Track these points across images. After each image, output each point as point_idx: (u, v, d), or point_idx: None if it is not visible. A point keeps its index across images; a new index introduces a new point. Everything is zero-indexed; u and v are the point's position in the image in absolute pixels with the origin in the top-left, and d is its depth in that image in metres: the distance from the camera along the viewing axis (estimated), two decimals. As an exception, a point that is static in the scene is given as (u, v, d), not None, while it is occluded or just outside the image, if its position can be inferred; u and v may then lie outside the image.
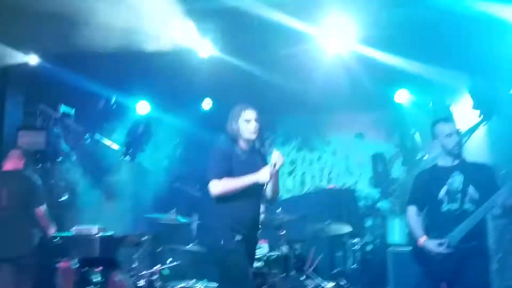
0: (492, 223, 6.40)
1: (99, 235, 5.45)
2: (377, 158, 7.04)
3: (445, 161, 3.83)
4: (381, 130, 7.71)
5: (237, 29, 5.79)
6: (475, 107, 5.80)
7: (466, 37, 5.49)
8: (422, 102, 6.82)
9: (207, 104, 7.43)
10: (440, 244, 3.60)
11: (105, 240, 5.54)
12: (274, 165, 3.45)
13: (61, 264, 4.27)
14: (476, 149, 6.07)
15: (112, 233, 5.70)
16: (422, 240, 3.71)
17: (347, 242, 5.86)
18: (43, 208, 4.92)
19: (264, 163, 3.62)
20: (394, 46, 5.70)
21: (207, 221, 3.67)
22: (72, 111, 6.69)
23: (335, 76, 6.42)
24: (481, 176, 3.70)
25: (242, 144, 3.63)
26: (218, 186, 3.46)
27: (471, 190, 3.67)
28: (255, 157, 3.66)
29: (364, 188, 7.63)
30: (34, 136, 6.03)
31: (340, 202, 6.69)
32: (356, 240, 5.89)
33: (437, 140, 3.84)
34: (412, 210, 3.89)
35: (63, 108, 6.57)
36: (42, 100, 6.46)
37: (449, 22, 5.27)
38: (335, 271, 5.13)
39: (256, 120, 3.58)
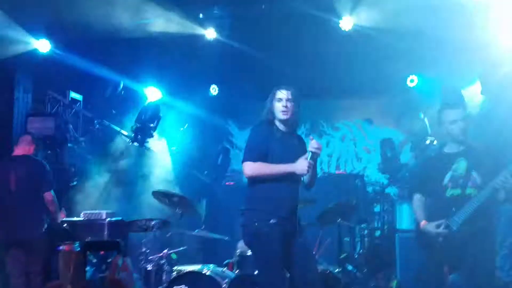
0: (502, 209, 6.41)
1: (108, 220, 5.51)
2: (386, 144, 6.98)
3: (450, 148, 3.89)
4: (390, 115, 7.66)
5: (244, 15, 5.79)
6: (484, 92, 5.73)
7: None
8: (431, 87, 6.76)
9: (213, 90, 7.43)
10: (438, 226, 3.67)
11: (114, 225, 5.59)
12: (312, 155, 3.39)
13: (62, 247, 4.32)
14: (481, 133, 6.03)
15: (120, 218, 5.75)
16: (422, 224, 3.79)
17: (355, 227, 5.86)
18: (51, 193, 4.97)
19: (303, 146, 3.58)
20: (403, 31, 5.66)
21: (244, 202, 3.59)
22: (80, 97, 6.74)
23: (344, 61, 6.40)
24: (484, 161, 3.74)
25: (279, 124, 3.59)
26: (251, 168, 3.44)
27: (474, 175, 3.72)
28: (293, 139, 3.61)
29: (373, 174, 7.62)
30: (43, 122, 6.08)
31: (348, 188, 6.69)
32: (364, 225, 5.88)
33: (443, 126, 3.87)
34: (416, 197, 3.97)
35: (72, 94, 6.63)
36: (51, 87, 6.50)
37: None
38: (342, 256, 5.12)
39: (288, 100, 3.50)
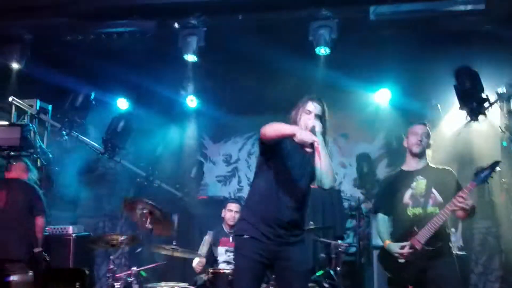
0: (476, 226, 6.42)
1: (74, 235, 5.30)
2: (362, 159, 6.95)
3: (408, 166, 3.89)
4: (366, 130, 7.62)
5: (220, 25, 5.68)
6: (462, 107, 5.73)
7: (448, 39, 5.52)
8: (407, 103, 6.75)
9: (191, 101, 7.26)
10: (402, 247, 3.64)
11: (80, 240, 5.38)
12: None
13: (13, 277, 4.13)
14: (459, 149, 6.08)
15: (88, 233, 5.54)
16: (386, 243, 3.77)
17: (331, 243, 5.74)
18: (43, 220, 4.99)
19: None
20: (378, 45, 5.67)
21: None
22: (49, 107, 6.52)
23: (318, 76, 6.34)
24: (443, 180, 3.75)
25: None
26: (267, 127, 3.08)
27: (434, 193, 3.72)
28: (305, 155, 3.23)
29: (348, 189, 7.55)
30: (9, 132, 5.85)
31: (324, 202, 6.58)
32: (340, 241, 5.77)
33: (406, 140, 3.89)
34: (379, 216, 3.95)
35: (39, 104, 6.41)
36: (18, 96, 6.28)
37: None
38: (319, 273, 5.01)
39: (317, 116, 3.24)
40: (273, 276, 4.04)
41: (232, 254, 4.78)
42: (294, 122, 3.29)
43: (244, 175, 7.96)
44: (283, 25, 5.55)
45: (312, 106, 3.28)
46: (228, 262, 4.97)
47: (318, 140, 3.01)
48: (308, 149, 3.07)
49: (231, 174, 8.01)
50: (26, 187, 5.04)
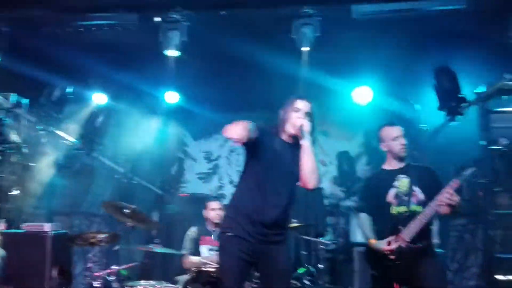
0: (452, 223, 6.52)
1: (51, 233, 5.17)
2: (342, 157, 7.00)
3: (390, 165, 3.91)
4: (346, 128, 7.65)
5: (203, 20, 5.62)
6: (441, 107, 5.80)
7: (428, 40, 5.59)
8: (386, 102, 6.81)
9: (172, 97, 7.16)
10: (389, 243, 3.65)
11: (58, 239, 5.26)
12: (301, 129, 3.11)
13: None
14: (439, 148, 6.16)
15: (65, 231, 5.42)
16: (372, 243, 3.78)
17: (312, 241, 5.76)
18: None
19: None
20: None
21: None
22: (25, 101, 6.34)
23: (300, 74, 6.33)
24: (425, 178, 3.78)
25: (285, 136, 3.30)
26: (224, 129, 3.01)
27: (416, 191, 3.75)
28: (292, 154, 3.23)
29: (328, 187, 7.58)
30: (-18, 127, 5.67)
31: (306, 201, 6.59)
32: (321, 238, 5.79)
33: (383, 144, 3.89)
34: (362, 216, 3.94)
35: (15, 98, 6.22)
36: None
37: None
38: (301, 270, 5.01)
39: (306, 114, 3.23)
40: (256, 274, 4.04)
41: (214, 252, 4.75)
42: (283, 121, 3.28)
43: (225, 172, 7.92)
44: (266, 22, 5.53)
45: (301, 104, 3.27)
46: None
47: (306, 124, 3.11)
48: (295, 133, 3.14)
49: (212, 172, 7.96)
50: None
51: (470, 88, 5.67)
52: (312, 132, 3.21)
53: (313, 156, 3.15)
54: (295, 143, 3.28)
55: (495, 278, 5.52)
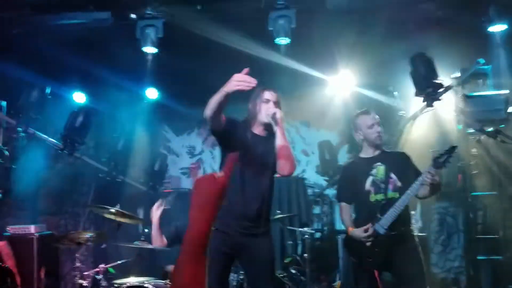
0: (434, 206, 6.64)
1: (37, 234, 5.15)
2: (324, 146, 7.05)
3: (366, 153, 3.94)
4: (326, 117, 7.71)
5: (178, 15, 5.60)
6: (418, 94, 5.88)
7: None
8: (365, 90, 6.87)
9: (151, 93, 7.14)
10: (365, 231, 3.69)
11: (44, 240, 5.25)
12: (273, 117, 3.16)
13: None
14: (417, 134, 6.25)
15: (50, 232, 5.40)
16: (350, 230, 3.81)
17: (296, 230, 5.82)
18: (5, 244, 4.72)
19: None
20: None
21: None
22: (3, 103, 6.27)
23: (276, 65, 6.36)
24: (400, 165, 3.83)
25: (257, 128, 3.35)
26: (205, 109, 3.07)
27: (393, 178, 3.79)
28: (266, 146, 3.28)
29: (312, 176, 7.65)
30: (-40, 131, 5.60)
31: (289, 191, 6.66)
32: (305, 228, 5.86)
33: (359, 132, 3.91)
34: (342, 205, 3.98)
35: (-8, 100, 6.16)
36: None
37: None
38: (287, 260, 5.07)
39: (275, 103, 3.29)
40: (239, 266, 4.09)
41: None
42: (253, 115, 3.34)
43: (209, 166, 7.95)
44: (242, 16, 5.53)
45: (270, 95, 3.33)
46: None
47: (279, 110, 3.18)
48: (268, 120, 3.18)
49: (195, 166, 7.98)
50: None
51: (447, 73, 5.76)
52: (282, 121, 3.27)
53: (288, 143, 3.22)
54: (267, 135, 3.34)
55: (477, 259, 5.64)
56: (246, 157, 3.24)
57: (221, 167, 3.37)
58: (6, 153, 6.07)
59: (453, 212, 6.55)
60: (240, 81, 2.94)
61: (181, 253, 1.50)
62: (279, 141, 3.19)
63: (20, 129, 6.21)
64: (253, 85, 2.95)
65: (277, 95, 3.36)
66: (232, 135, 3.25)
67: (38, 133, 6.43)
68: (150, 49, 5.65)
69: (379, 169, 3.83)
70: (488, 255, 5.65)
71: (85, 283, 4.62)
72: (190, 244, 1.48)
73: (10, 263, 4.62)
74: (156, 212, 4.84)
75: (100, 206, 4.80)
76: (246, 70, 3.01)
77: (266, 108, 3.27)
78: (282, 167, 3.18)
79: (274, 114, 3.21)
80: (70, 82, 6.78)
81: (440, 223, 6.72)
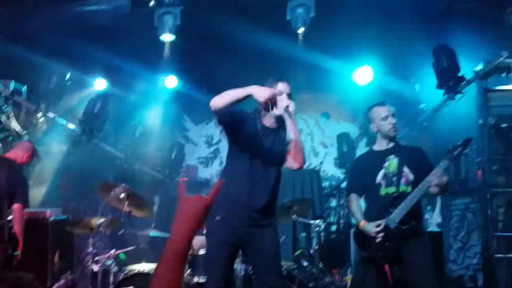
0: (455, 202, 6.50)
1: (52, 219, 5.23)
2: (343, 138, 6.96)
3: (380, 145, 3.86)
4: (346, 110, 7.62)
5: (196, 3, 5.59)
6: (440, 86, 5.74)
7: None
8: (386, 82, 6.75)
9: (171, 82, 7.15)
10: (378, 226, 3.62)
11: (58, 224, 5.32)
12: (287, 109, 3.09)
13: None
14: (437, 127, 6.12)
15: (65, 217, 5.48)
16: (361, 224, 3.73)
17: (311, 223, 5.76)
18: (21, 210, 4.70)
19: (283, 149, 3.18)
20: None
21: None
22: (23, 88, 6.37)
23: (298, 56, 6.29)
24: (414, 158, 3.74)
25: (268, 120, 3.28)
26: (215, 99, 3.03)
27: (406, 172, 3.70)
28: (276, 139, 3.24)
29: (330, 169, 7.57)
30: (-18, 115, 5.71)
31: (304, 183, 6.59)
32: (319, 221, 5.79)
33: (373, 124, 3.84)
34: (351, 197, 3.91)
35: (14, 85, 6.25)
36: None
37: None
38: (298, 252, 5.02)
39: (289, 95, 3.20)
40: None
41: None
42: (265, 104, 3.18)
43: (225, 156, 7.92)
44: (260, 5, 5.48)
45: (283, 86, 3.25)
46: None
47: (292, 103, 3.10)
48: (277, 112, 3.11)
49: (212, 156, 7.98)
50: (14, 172, 4.75)
51: (469, 66, 5.60)
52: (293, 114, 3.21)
53: (299, 136, 3.15)
54: (277, 127, 3.29)
55: (495, 257, 5.50)
56: (254, 149, 3.21)
57: (228, 159, 3.37)
58: (26, 138, 6.17)
59: (474, 209, 6.39)
60: (270, 99, 2.92)
61: (159, 263, 1.53)
62: (291, 134, 3.14)
63: (40, 114, 6.30)
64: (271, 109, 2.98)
65: (290, 87, 3.29)
66: (239, 126, 3.22)
67: (58, 118, 6.53)
68: (168, 37, 5.66)
69: (392, 162, 3.75)
70: (508, 253, 5.49)
71: (96, 268, 4.66)
72: (170, 254, 1.51)
73: (17, 228, 4.66)
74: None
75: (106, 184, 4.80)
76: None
77: (280, 101, 3.17)
78: (293, 161, 3.13)
79: (287, 106, 3.15)
80: (90, 69, 6.84)
81: (460, 220, 6.58)
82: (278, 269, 3.32)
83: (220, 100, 3.01)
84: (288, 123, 3.16)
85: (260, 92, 2.93)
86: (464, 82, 5.39)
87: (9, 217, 4.72)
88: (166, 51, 6.23)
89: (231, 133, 3.27)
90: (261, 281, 3.27)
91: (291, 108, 3.15)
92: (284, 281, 3.79)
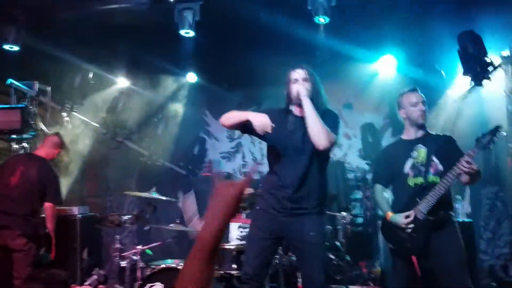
0: (484, 191, 6.36)
1: (80, 215, 5.30)
2: (367, 129, 6.87)
3: (408, 134, 3.78)
4: (369, 100, 7.50)
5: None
6: (466, 73, 5.61)
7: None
8: (410, 70, 6.62)
9: (191, 77, 7.16)
10: (407, 217, 3.55)
11: (86, 221, 5.39)
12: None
13: None
14: (464, 115, 5.98)
15: (93, 214, 5.54)
16: (389, 215, 3.66)
17: (336, 215, 5.71)
18: (53, 208, 4.77)
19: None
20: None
21: None
22: (48, 88, 6.45)
23: (319, 47, 6.21)
24: (444, 148, 3.64)
25: (296, 110, 3.35)
26: (223, 118, 3.30)
27: (435, 162, 3.61)
28: (305, 126, 3.24)
29: (354, 161, 7.48)
30: (8, 115, 5.78)
31: (329, 175, 6.52)
32: (345, 213, 5.74)
33: (403, 110, 3.75)
34: (378, 187, 3.85)
35: (38, 85, 6.34)
36: (17, 78, 6.22)
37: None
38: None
39: (305, 80, 3.28)
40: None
41: (244, 230, 4.82)
42: (288, 96, 3.36)
43: (248, 150, 7.91)
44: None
45: (296, 74, 3.32)
46: (240, 239, 4.95)
47: (301, 89, 3.20)
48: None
49: (235, 150, 7.97)
50: (45, 170, 4.79)
51: (496, 51, 5.45)
52: (317, 95, 3.28)
53: (316, 117, 3.16)
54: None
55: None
56: (283, 140, 3.29)
57: (267, 154, 3.48)
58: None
59: (503, 197, 6.25)
60: (261, 127, 3.13)
61: (189, 257, 1.50)
62: (306, 116, 3.19)
63: (65, 114, 6.38)
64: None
65: (305, 71, 3.32)
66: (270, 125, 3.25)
67: (82, 117, 6.60)
68: (188, 32, 5.64)
69: (420, 152, 3.66)
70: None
71: (123, 263, 4.71)
72: (200, 250, 1.49)
73: (50, 226, 4.74)
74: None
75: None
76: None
77: (293, 89, 3.28)
78: (316, 142, 3.15)
79: (297, 93, 3.24)
80: (112, 67, 6.89)
81: (489, 209, 6.45)
82: (320, 262, 3.28)
83: (227, 121, 3.28)
84: (303, 107, 3.21)
85: (258, 119, 3.14)
86: (491, 67, 5.24)
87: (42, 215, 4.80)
88: (187, 46, 6.21)
89: (256, 135, 3.35)
90: (303, 272, 3.35)
91: (301, 92, 3.22)
92: (328, 275, 3.81)
